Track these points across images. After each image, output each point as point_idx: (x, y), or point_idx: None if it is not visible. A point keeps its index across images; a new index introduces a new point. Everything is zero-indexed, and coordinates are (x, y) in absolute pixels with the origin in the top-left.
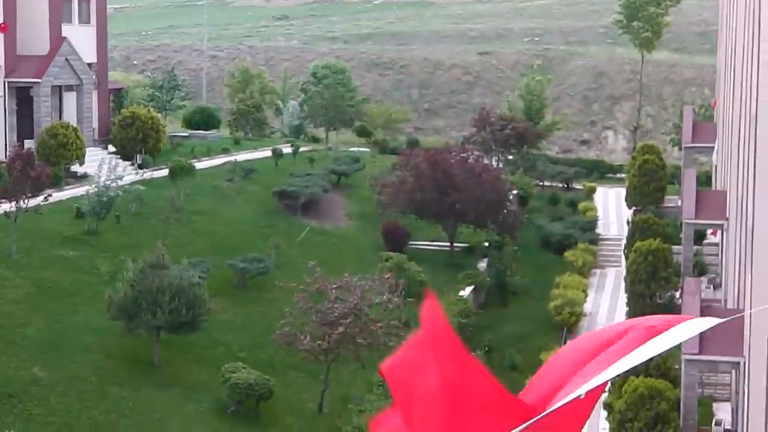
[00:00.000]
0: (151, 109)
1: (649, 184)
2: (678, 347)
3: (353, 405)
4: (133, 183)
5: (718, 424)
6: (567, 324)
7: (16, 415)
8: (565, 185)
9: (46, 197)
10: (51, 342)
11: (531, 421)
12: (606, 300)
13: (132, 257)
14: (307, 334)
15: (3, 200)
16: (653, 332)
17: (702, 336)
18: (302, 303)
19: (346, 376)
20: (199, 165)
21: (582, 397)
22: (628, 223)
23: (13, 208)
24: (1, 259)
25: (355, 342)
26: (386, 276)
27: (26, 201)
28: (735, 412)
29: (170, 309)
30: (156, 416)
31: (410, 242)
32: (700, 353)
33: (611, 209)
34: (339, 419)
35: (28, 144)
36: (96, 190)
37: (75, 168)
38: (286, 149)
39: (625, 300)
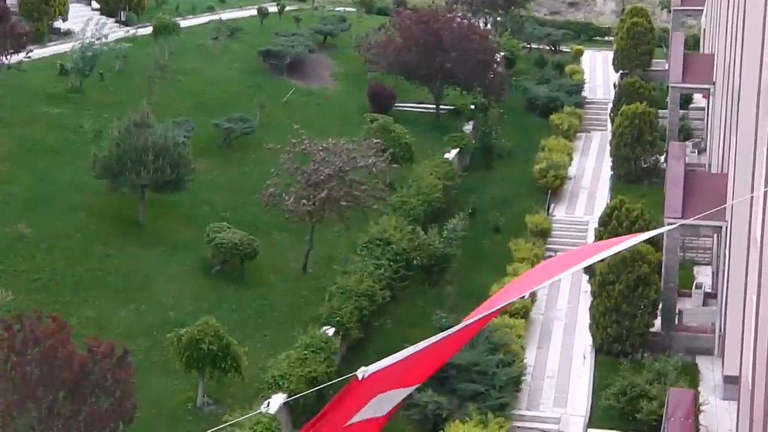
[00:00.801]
0: None
1: (636, 47)
2: (660, 211)
3: (337, 266)
4: (117, 40)
5: (698, 287)
6: (551, 187)
7: (1, 271)
8: (553, 48)
9: (28, 53)
10: (35, 199)
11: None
12: (591, 163)
13: (116, 115)
14: (291, 195)
15: None
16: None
17: (684, 200)
18: (288, 164)
19: (331, 237)
20: (184, 23)
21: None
22: (614, 86)
23: None
24: None
25: (339, 204)
26: (375, 141)
27: (8, 57)
28: (715, 275)
29: (155, 168)
30: (141, 274)
31: (396, 104)
32: (682, 216)
33: (598, 72)
34: (323, 279)
35: (10, 0)
36: (80, 47)
37: (58, 24)
38: (272, 8)
39: (610, 164)
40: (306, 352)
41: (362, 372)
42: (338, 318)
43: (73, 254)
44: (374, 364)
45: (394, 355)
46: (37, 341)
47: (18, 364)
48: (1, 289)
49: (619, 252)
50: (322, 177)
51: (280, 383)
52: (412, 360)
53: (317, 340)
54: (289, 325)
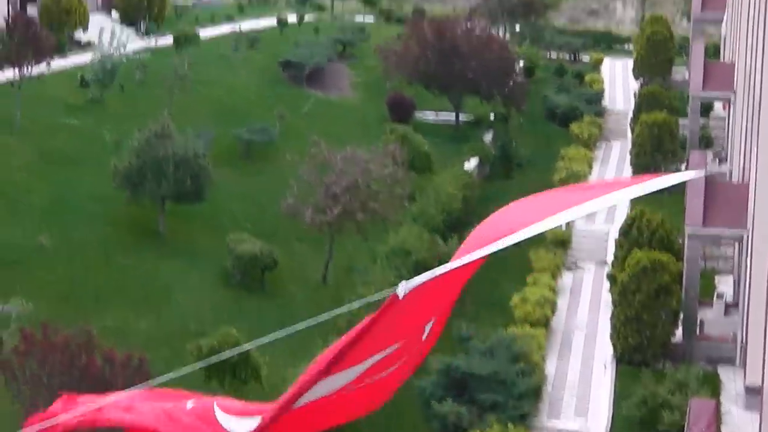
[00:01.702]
0: None
1: (656, 55)
2: (681, 220)
3: (357, 276)
4: (137, 51)
5: (720, 296)
6: None
7: (22, 281)
8: (572, 56)
9: (49, 64)
10: (56, 210)
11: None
12: (611, 172)
13: (137, 126)
14: (310, 207)
15: (6, 67)
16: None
17: (705, 209)
18: (307, 175)
19: (351, 247)
20: (204, 33)
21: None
22: (634, 95)
23: (16, 76)
24: (5, 126)
25: (355, 216)
26: (391, 149)
27: (29, 68)
28: (737, 284)
29: (175, 178)
30: (161, 284)
31: (416, 114)
32: (703, 226)
33: (618, 81)
34: (343, 289)
35: (31, 10)
36: (100, 57)
37: (79, 35)
38: (291, 18)
39: (631, 172)
40: None
41: (403, 288)
42: None
43: (94, 264)
44: (415, 279)
45: (433, 270)
46: (55, 351)
47: (36, 374)
48: (21, 299)
49: (639, 260)
50: (339, 190)
51: None
52: (449, 279)
53: None
54: (310, 335)
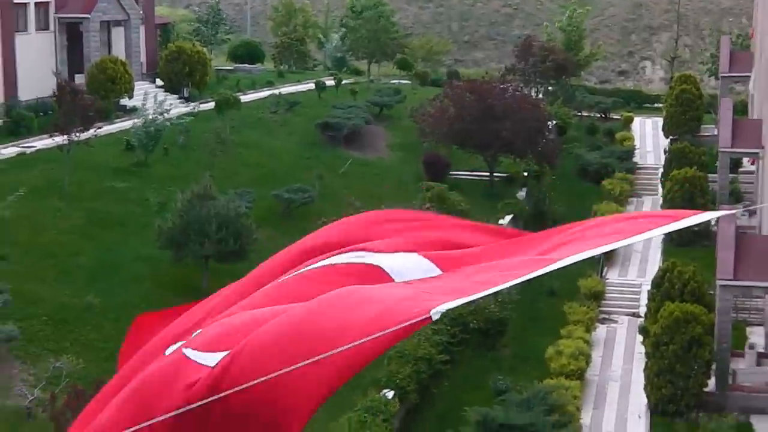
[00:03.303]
0: (197, 44)
1: (685, 113)
2: (712, 273)
3: None
4: (180, 116)
5: (751, 347)
6: (604, 251)
7: (71, 340)
8: (603, 115)
9: (96, 130)
10: (103, 271)
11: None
12: None
13: (180, 188)
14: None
15: (56, 133)
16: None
17: (736, 261)
18: None
19: None
20: (244, 98)
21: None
22: (664, 151)
23: (66, 141)
24: (54, 190)
25: None
26: (427, 206)
27: (77, 134)
28: None
29: (218, 238)
30: None
31: (450, 172)
32: (734, 278)
33: (648, 138)
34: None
35: (79, 79)
36: (144, 122)
37: (124, 101)
38: (329, 82)
39: None
40: (366, 414)
41: (436, 312)
42: (397, 381)
43: None
44: (448, 303)
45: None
46: None
47: None
48: (72, 357)
49: (671, 312)
50: None
51: None
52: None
53: (377, 402)
54: (350, 388)
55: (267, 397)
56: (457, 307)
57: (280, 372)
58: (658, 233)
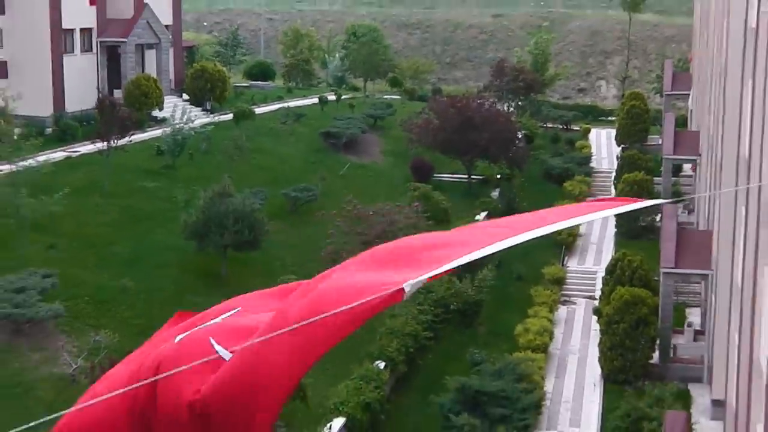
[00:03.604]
0: (218, 64)
1: (635, 125)
2: (657, 262)
3: (386, 310)
4: (203, 125)
5: (689, 325)
6: (565, 243)
7: (109, 317)
8: (565, 126)
9: (131, 137)
10: (136, 258)
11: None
12: (598, 223)
13: (202, 187)
14: (346, 253)
15: (97, 140)
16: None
17: (677, 252)
18: (344, 226)
19: None
20: (258, 110)
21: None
22: (617, 158)
23: (105, 147)
24: (95, 189)
25: None
26: (415, 204)
27: (115, 141)
28: (704, 315)
29: (235, 230)
30: None
31: (434, 175)
32: (675, 266)
33: (603, 147)
34: (374, 321)
35: (117, 93)
36: (172, 131)
37: (155, 113)
38: (331, 97)
39: (614, 223)
40: (361, 382)
41: (409, 286)
42: (387, 354)
43: (167, 303)
44: (418, 278)
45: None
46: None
47: None
48: (109, 332)
49: (622, 295)
50: (370, 239)
51: (340, 408)
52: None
53: (370, 372)
54: (347, 360)
55: (245, 378)
56: (424, 280)
57: (254, 341)
58: (611, 213)
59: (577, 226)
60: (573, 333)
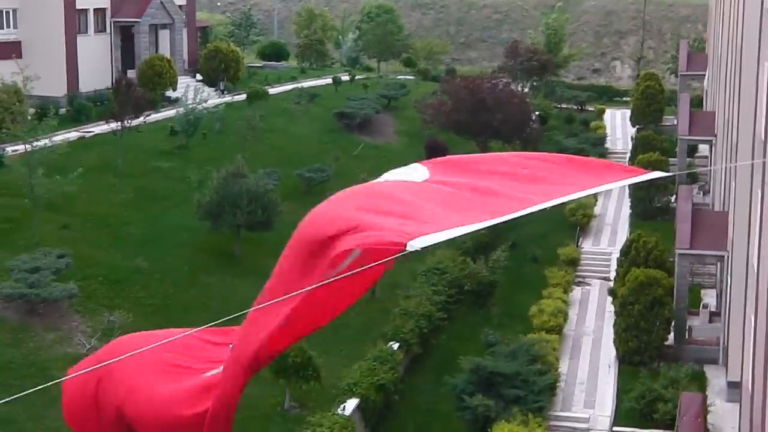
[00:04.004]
0: (231, 44)
1: (650, 106)
2: (672, 243)
3: (401, 291)
4: (216, 106)
5: (705, 306)
6: (580, 224)
7: (123, 297)
8: (579, 107)
9: (145, 118)
10: (150, 238)
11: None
12: (613, 204)
13: (216, 168)
14: None
15: (111, 120)
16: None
17: (692, 233)
18: None
19: (394, 266)
20: (272, 90)
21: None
22: (631, 138)
23: (119, 127)
24: (109, 169)
25: None
26: None
27: (129, 121)
28: (719, 296)
29: (248, 211)
30: (238, 299)
31: (448, 155)
32: (690, 247)
33: (618, 127)
34: (389, 302)
35: (131, 74)
36: (186, 111)
37: (169, 93)
38: (344, 77)
39: (629, 204)
40: (375, 363)
41: (411, 245)
42: (401, 335)
43: (181, 283)
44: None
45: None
46: None
47: None
48: (123, 311)
49: (637, 276)
50: None
51: (353, 389)
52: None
53: (384, 353)
54: (361, 341)
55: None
56: (433, 244)
57: (261, 305)
58: (621, 185)
59: (591, 205)
60: (588, 314)
